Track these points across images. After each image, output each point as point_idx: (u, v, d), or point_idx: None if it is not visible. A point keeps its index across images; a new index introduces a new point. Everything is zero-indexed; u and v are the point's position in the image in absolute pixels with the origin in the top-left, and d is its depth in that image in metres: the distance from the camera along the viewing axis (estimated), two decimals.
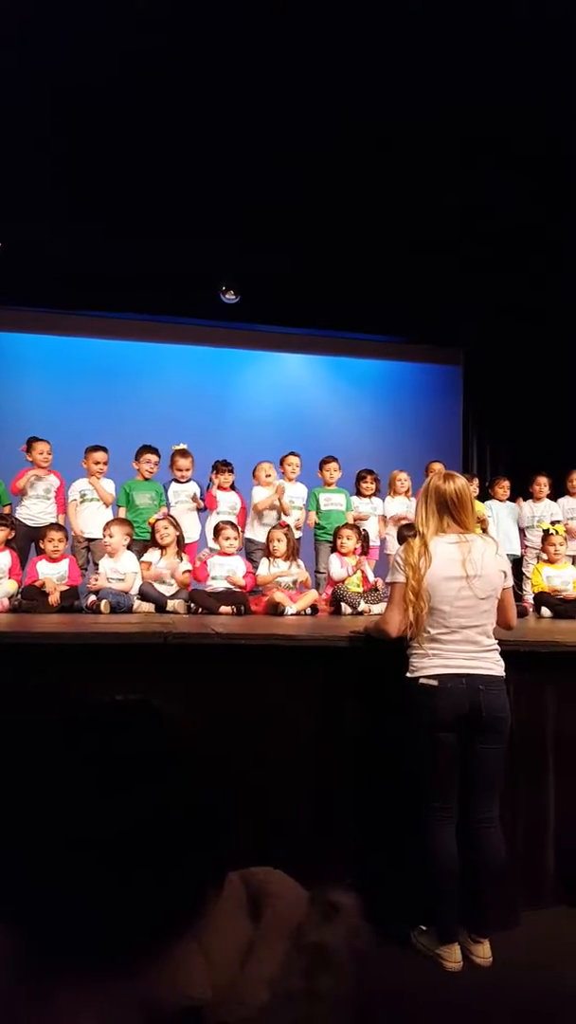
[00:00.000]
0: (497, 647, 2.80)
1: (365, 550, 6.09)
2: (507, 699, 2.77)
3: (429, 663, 2.73)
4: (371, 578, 5.69)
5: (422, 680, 2.72)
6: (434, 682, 2.69)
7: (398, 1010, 2.27)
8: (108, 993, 0.69)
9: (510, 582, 2.89)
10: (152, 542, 5.58)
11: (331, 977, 0.73)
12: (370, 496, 6.98)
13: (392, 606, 2.81)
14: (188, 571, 5.42)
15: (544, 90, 6.70)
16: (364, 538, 6.07)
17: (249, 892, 0.82)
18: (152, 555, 5.48)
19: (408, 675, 2.79)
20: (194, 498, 6.46)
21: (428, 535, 2.77)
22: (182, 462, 6.50)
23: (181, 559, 5.48)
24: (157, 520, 5.58)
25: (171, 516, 5.74)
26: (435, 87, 6.64)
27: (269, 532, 5.74)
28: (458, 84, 6.63)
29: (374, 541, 6.70)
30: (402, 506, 6.96)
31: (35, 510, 6.10)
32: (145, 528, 5.89)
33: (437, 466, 6.63)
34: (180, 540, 5.56)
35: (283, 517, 6.45)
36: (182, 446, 6.63)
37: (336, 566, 5.67)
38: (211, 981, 0.71)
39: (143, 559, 5.44)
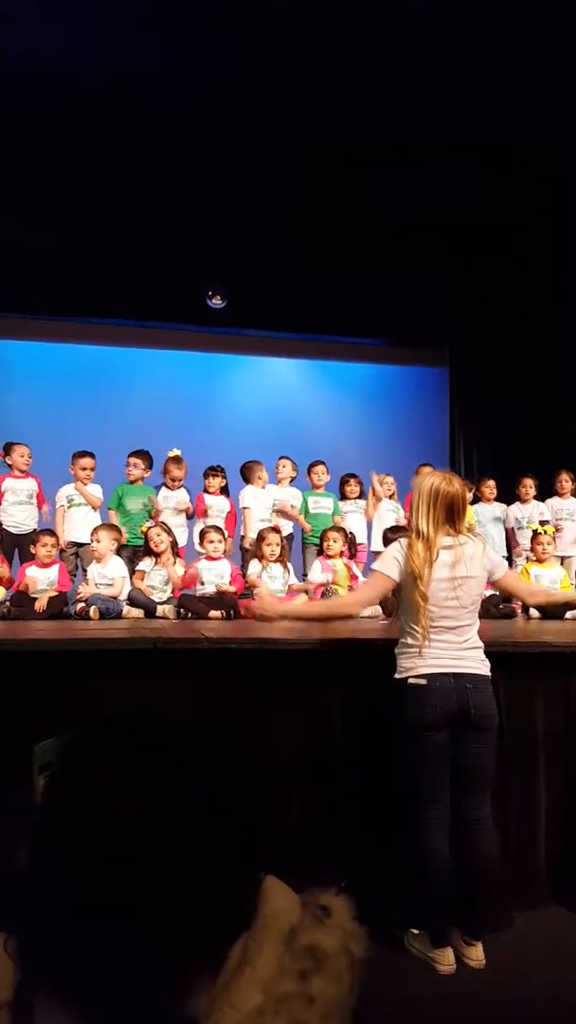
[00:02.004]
0: (481, 646, 2.82)
1: (352, 553, 6.11)
2: (494, 697, 2.79)
3: (417, 663, 2.74)
4: (359, 574, 5.71)
5: (411, 680, 2.74)
6: (423, 681, 2.71)
7: (391, 1014, 2.26)
8: (104, 1009, 0.68)
9: (503, 568, 2.94)
10: (145, 549, 5.56)
11: (325, 981, 0.73)
12: (355, 499, 7.01)
13: (365, 588, 2.85)
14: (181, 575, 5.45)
15: (528, 90, 6.73)
16: (351, 541, 6.09)
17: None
18: (146, 563, 5.47)
19: (397, 676, 2.80)
20: (185, 509, 6.43)
21: (435, 539, 2.75)
22: (175, 471, 6.48)
23: (175, 563, 5.49)
24: (150, 528, 5.56)
25: (163, 523, 5.72)
26: (422, 87, 6.67)
27: (261, 534, 5.72)
28: (446, 84, 6.66)
29: (361, 540, 6.72)
30: (388, 509, 7.00)
31: (19, 516, 6.05)
32: (137, 533, 5.87)
33: (427, 469, 6.64)
34: (174, 546, 5.55)
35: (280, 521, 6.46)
36: (176, 452, 6.59)
37: (317, 571, 5.68)
38: (206, 991, 0.71)
39: (137, 568, 5.42)
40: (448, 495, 2.79)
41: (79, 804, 0.72)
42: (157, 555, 5.44)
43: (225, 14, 6.06)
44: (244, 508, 6.50)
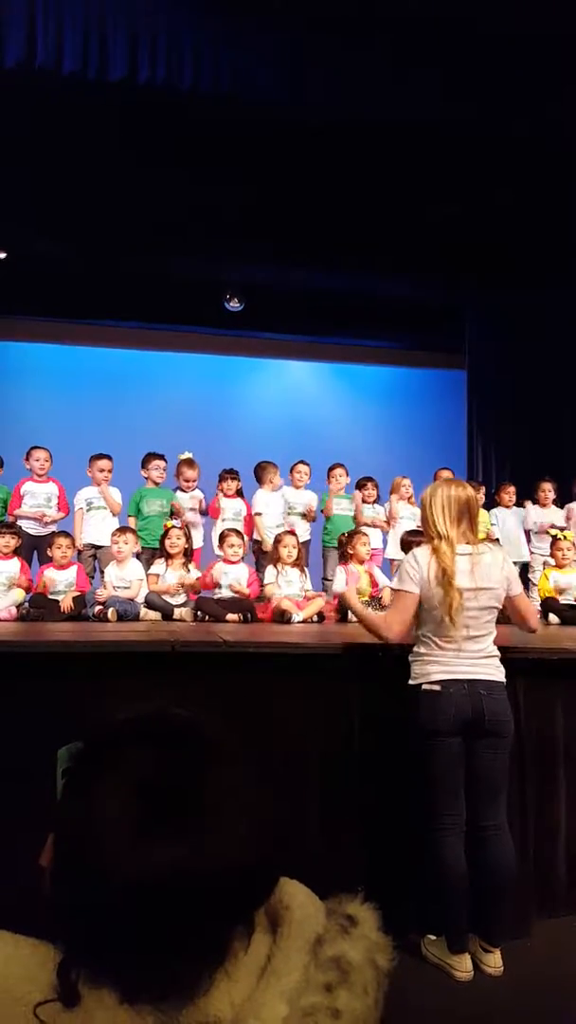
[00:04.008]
0: (497, 654, 2.81)
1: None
2: (509, 704, 2.78)
3: (432, 670, 2.74)
4: (380, 581, 5.67)
5: (425, 686, 2.73)
6: (437, 688, 2.71)
7: (407, 1020, 2.25)
8: (128, 1012, 0.68)
9: (519, 587, 2.91)
10: (160, 550, 5.57)
11: (350, 994, 0.73)
12: (372, 503, 7.00)
13: (395, 613, 2.81)
14: (198, 577, 5.43)
15: (539, 87, 6.67)
16: None
17: (265, 903, 0.81)
18: (159, 567, 5.47)
19: (411, 682, 2.79)
20: (199, 503, 6.46)
21: (455, 540, 2.74)
22: (188, 472, 6.52)
23: (188, 571, 5.47)
24: (173, 526, 5.57)
25: (186, 526, 5.72)
26: (432, 91, 6.64)
27: (278, 537, 5.70)
28: (457, 87, 6.63)
29: (377, 544, 6.70)
30: (406, 512, 6.98)
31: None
32: (154, 536, 5.89)
33: (446, 473, 6.63)
34: (188, 552, 5.54)
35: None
36: (188, 455, 6.63)
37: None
38: (230, 998, 0.71)
39: (150, 571, 5.43)
40: (461, 498, 2.80)
41: (95, 797, 0.73)
42: (170, 556, 5.44)
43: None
44: (256, 514, 6.50)
